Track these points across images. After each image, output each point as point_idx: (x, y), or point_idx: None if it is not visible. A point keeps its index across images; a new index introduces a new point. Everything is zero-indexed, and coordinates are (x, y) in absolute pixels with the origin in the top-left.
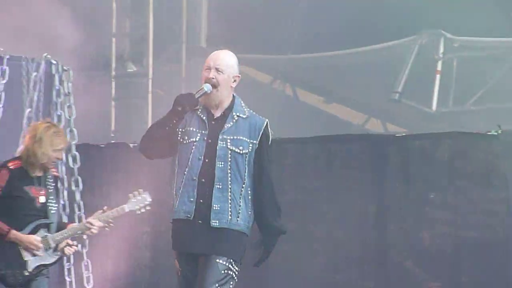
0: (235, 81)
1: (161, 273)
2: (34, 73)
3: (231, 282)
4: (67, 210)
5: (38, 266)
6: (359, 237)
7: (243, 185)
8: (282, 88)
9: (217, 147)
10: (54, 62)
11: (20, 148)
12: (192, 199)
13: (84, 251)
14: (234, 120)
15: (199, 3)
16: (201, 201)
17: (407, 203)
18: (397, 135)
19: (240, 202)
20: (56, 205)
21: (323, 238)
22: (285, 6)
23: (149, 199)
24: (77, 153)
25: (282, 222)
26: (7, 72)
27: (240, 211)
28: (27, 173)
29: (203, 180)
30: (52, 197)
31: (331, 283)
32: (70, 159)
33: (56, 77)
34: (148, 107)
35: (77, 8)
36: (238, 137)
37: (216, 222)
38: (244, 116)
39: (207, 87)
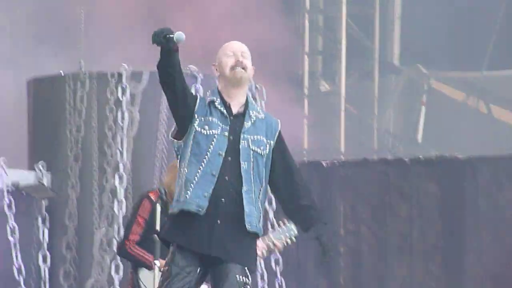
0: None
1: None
2: None
3: None
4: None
5: None
6: None
7: (261, 188)
8: (476, 105)
9: (240, 146)
10: None
11: (164, 181)
12: (206, 195)
13: (278, 269)
14: (252, 120)
15: (392, 19)
16: (223, 200)
17: None
18: None
19: (259, 205)
20: None
21: None
22: (478, 23)
23: (295, 231)
24: None
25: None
26: (201, 91)
27: (260, 215)
28: (168, 205)
29: (227, 178)
30: None
31: None
32: None
33: (249, 95)
34: (341, 125)
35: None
36: (258, 137)
37: (249, 226)
38: (261, 117)
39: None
